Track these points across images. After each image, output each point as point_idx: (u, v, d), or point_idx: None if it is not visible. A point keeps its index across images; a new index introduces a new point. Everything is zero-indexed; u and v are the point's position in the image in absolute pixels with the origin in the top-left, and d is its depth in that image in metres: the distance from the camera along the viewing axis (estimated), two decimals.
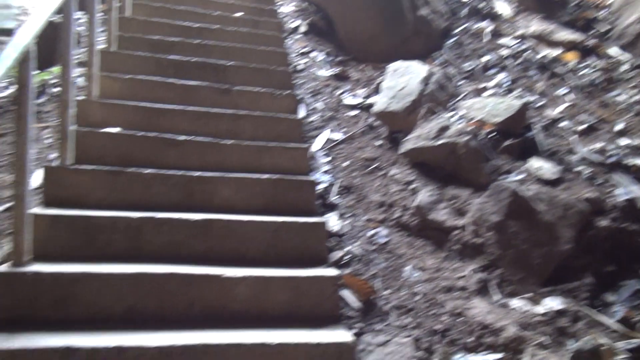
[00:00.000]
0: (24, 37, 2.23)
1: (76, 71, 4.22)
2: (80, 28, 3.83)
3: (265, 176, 3.02)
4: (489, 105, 3.78)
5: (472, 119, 3.71)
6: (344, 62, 5.01)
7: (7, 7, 8.95)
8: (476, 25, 5.28)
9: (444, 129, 3.43)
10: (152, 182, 2.85)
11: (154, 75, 3.87)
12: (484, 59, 4.80)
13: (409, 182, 3.43)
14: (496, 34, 5.21)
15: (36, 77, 4.63)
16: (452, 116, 3.72)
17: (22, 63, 2.21)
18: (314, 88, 4.54)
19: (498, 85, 4.44)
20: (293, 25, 5.44)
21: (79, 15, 4.45)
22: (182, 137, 3.22)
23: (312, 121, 4.12)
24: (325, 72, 4.78)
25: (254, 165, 3.24)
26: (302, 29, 5.39)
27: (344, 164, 3.69)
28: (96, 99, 3.47)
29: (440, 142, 3.37)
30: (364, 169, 3.65)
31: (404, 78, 4.07)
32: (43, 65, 4.11)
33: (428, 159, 3.49)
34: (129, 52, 4.07)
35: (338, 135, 4.00)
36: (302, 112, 4.16)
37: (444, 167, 3.41)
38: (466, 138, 3.29)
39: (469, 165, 3.27)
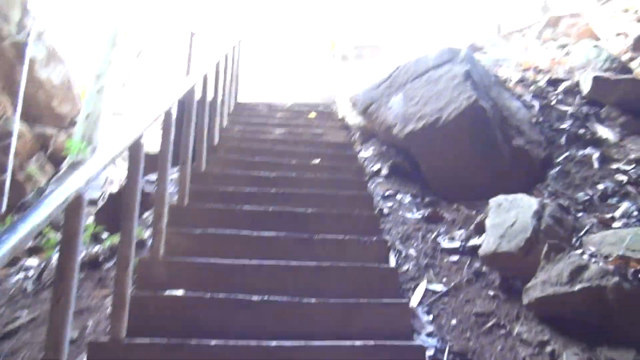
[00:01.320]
0: (78, 180, 1.89)
1: (146, 232, 4.02)
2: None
3: (359, 343, 2.39)
4: (628, 238, 3.04)
5: (608, 255, 2.97)
6: (433, 202, 4.50)
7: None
8: (580, 153, 4.70)
9: (579, 270, 2.71)
10: (219, 357, 2.28)
11: (227, 228, 3.51)
12: (600, 186, 4.14)
13: (544, 344, 2.65)
14: (606, 160, 4.58)
15: (107, 241, 4.44)
16: (582, 253, 3.00)
17: (71, 208, 1.84)
18: (404, 233, 4.00)
19: (626, 215, 3.71)
20: (374, 168, 5.10)
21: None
22: (256, 298, 2.70)
23: (405, 270, 3.52)
24: (415, 215, 4.26)
25: (343, 328, 2.62)
26: (384, 171, 5.03)
27: (452, 322, 2.98)
28: (162, 258, 3.08)
29: (578, 287, 2.63)
30: (478, 328, 2.91)
31: (512, 213, 3.46)
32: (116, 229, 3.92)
33: (564, 311, 2.73)
34: (201, 205, 3.79)
35: (439, 287, 3.34)
36: (393, 261, 3.58)
37: (588, 320, 2.63)
38: (615, 280, 2.55)
39: (625, 317, 2.48)
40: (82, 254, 4.58)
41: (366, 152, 5.57)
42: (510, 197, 3.66)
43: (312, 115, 6.76)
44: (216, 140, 5.31)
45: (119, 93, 12.06)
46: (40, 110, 12.05)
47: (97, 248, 4.58)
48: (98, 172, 2.06)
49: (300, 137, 5.82)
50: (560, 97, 5.64)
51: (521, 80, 6.07)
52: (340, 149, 5.48)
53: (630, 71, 6.88)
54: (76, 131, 11.00)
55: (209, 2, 18.26)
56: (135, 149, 2.64)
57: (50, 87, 12.42)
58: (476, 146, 4.65)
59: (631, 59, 7.50)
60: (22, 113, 10.91)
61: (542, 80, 6.00)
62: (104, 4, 12.03)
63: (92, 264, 4.07)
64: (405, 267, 3.54)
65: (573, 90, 5.76)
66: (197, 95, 4.84)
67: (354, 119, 6.22)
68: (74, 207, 1.86)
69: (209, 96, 5.17)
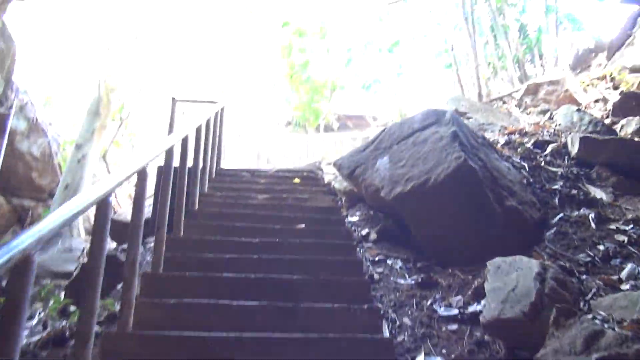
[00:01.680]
0: (27, 238, 1.64)
1: (118, 304, 3.68)
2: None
3: None
4: None
5: (622, 320, 2.72)
6: (427, 267, 4.24)
7: (69, 251, 9.04)
8: (575, 213, 4.53)
9: (594, 337, 2.45)
10: None
11: (204, 297, 3.21)
12: (601, 247, 3.94)
13: None
14: (602, 220, 4.41)
15: (74, 315, 4.08)
16: (593, 318, 2.74)
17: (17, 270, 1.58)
18: (397, 300, 3.72)
19: (632, 276, 3.49)
20: (363, 232, 4.87)
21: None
22: None
23: (401, 341, 3.21)
24: (407, 281, 4.00)
25: None
26: (373, 236, 4.80)
27: None
28: (130, 331, 2.76)
29: (595, 355, 2.36)
30: None
31: (512, 276, 3.22)
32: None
33: None
34: (177, 273, 3.49)
35: (438, 359, 3.03)
36: (386, 331, 3.28)
37: None
38: (636, 347, 2.28)
39: None
40: (47, 330, 4.22)
41: (353, 217, 5.36)
42: (509, 259, 3.44)
43: (297, 180, 6.59)
44: (196, 205, 5.08)
45: (100, 161, 11.88)
46: (19, 182, 11.78)
47: (63, 323, 4.22)
48: (52, 230, 1.80)
49: (285, 202, 5.60)
50: (548, 158, 5.56)
51: (507, 143, 6.01)
52: (326, 213, 5.25)
53: (614, 133, 6.89)
54: (54, 202, 10.70)
55: (194, 69, 18.55)
56: (102, 207, 2.41)
57: (30, 159, 12.22)
58: (468, 208, 4.47)
59: (613, 123, 7.55)
60: (1, 185, 10.64)
61: (529, 143, 5.95)
62: (87, 71, 12.10)
63: (57, 340, 3.71)
64: (400, 338, 3.23)
65: (561, 151, 5.69)
66: (177, 159, 4.67)
67: (339, 183, 6.06)
68: (20, 268, 1.59)
69: (190, 161, 5.00)
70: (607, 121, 7.59)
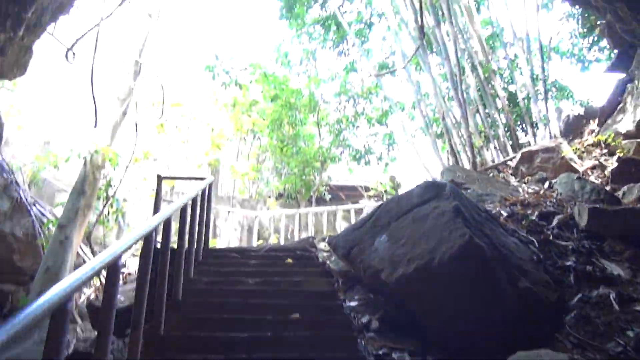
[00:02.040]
0: None
1: None
2: None
3: None
4: None
5: None
6: None
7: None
8: (594, 293, 4.16)
9: None
10: None
11: None
12: (630, 333, 3.54)
13: None
14: (625, 300, 4.04)
15: None
16: None
17: None
18: None
19: None
20: (363, 320, 4.44)
21: None
22: None
23: None
24: None
25: None
26: (375, 324, 4.36)
27: None
28: None
29: None
30: None
31: None
32: None
33: None
34: None
35: None
36: None
37: None
38: None
39: None
40: None
41: (352, 301, 4.93)
42: (533, 353, 3.04)
43: (290, 260, 6.19)
44: (180, 294, 4.65)
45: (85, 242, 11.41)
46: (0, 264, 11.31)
47: None
48: None
49: (277, 286, 5.18)
50: (556, 231, 5.24)
51: (510, 215, 5.70)
52: (322, 299, 4.84)
53: (618, 201, 6.64)
54: (34, 287, 10.15)
55: (184, 143, 18.45)
56: (59, 314, 2.03)
57: (12, 240, 11.78)
58: (478, 291, 4.08)
59: (613, 190, 7.32)
60: None
61: (533, 215, 5.65)
62: (74, 148, 11.85)
63: None
64: None
65: (568, 223, 5.39)
66: (158, 242, 4.32)
67: (335, 263, 5.67)
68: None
69: (174, 243, 4.64)
70: (607, 188, 7.37)
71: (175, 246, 4.87)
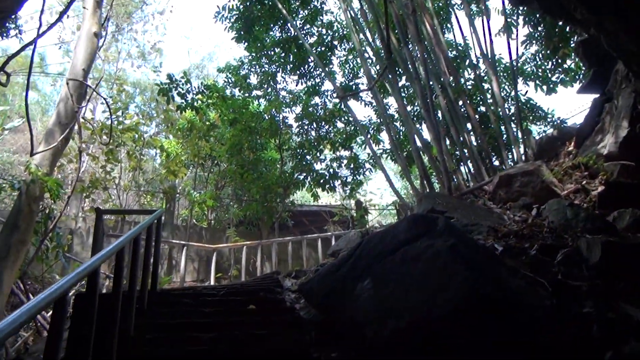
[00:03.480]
0: None
1: None
2: None
3: None
4: None
5: None
6: None
7: None
8: (627, 348, 3.40)
9: None
10: None
11: None
12: None
13: None
14: None
15: None
16: None
17: None
18: None
19: None
20: None
21: None
22: None
23: None
24: None
25: None
26: None
27: None
28: None
29: None
30: None
31: None
32: None
33: None
34: None
35: None
36: None
37: None
38: None
39: None
40: None
41: None
42: None
43: (252, 307, 5.27)
44: None
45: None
46: None
47: None
48: None
49: (236, 344, 4.25)
50: (562, 269, 4.52)
51: (507, 250, 4.97)
52: None
53: (615, 230, 6.03)
54: None
55: (133, 171, 17.26)
56: None
57: None
58: (486, 351, 3.29)
59: (602, 216, 6.74)
60: None
61: (532, 249, 4.93)
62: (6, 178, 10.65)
63: None
64: None
65: (574, 258, 4.67)
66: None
67: (307, 311, 4.79)
68: None
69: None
70: (596, 213, 6.78)
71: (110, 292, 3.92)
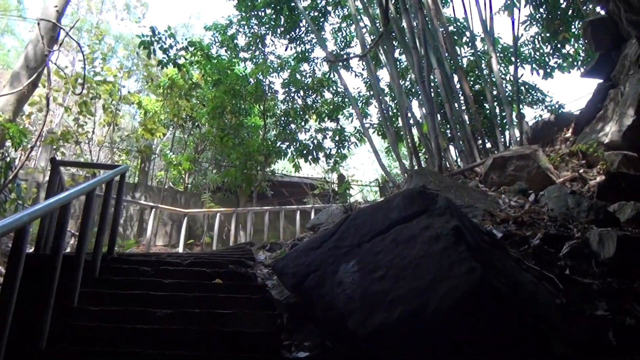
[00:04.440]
0: None
1: None
2: None
3: None
4: None
5: None
6: None
7: None
8: None
9: None
10: None
11: None
12: None
13: None
14: None
15: None
16: None
17: None
18: None
19: None
20: None
21: None
22: None
23: None
24: None
25: None
26: None
27: None
28: None
29: None
30: None
31: None
32: None
33: None
34: None
35: None
36: None
37: None
38: None
39: None
40: None
41: (301, 351, 3.50)
42: None
43: (219, 281, 4.70)
44: (44, 337, 3.09)
45: None
46: None
47: None
48: None
49: (195, 323, 3.68)
50: (569, 262, 4.02)
51: (507, 238, 4.45)
52: (258, 348, 3.38)
53: (618, 222, 5.56)
54: None
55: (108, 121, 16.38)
56: None
57: None
58: (492, 352, 2.77)
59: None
60: None
61: (535, 238, 4.41)
62: None
63: None
64: None
65: (582, 251, 4.18)
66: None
67: (279, 290, 4.23)
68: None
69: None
70: None
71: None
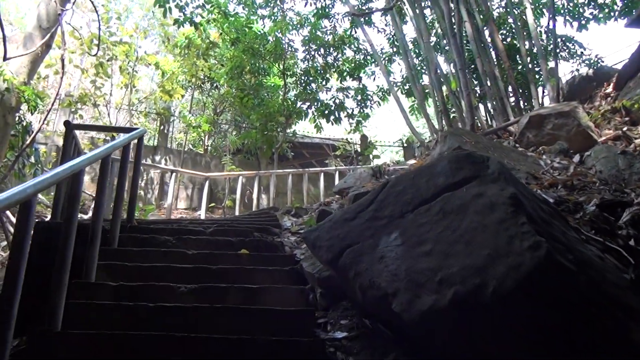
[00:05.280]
0: None
1: None
2: None
3: None
4: None
5: None
6: None
7: None
8: None
9: None
10: None
11: None
12: None
13: None
14: None
15: None
16: None
17: None
18: None
19: None
20: None
21: None
22: None
23: None
24: None
25: None
26: None
27: None
28: None
29: None
30: None
31: None
32: None
33: None
34: None
35: None
36: None
37: None
38: None
39: None
40: None
41: (337, 331, 3.20)
42: None
43: (245, 251, 4.41)
44: (60, 317, 2.84)
45: None
46: None
47: None
48: None
49: (221, 299, 3.41)
50: (631, 232, 3.62)
51: (559, 203, 4.05)
52: (292, 330, 3.09)
53: None
54: None
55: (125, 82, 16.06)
56: None
57: None
58: (562, 341, 2.43)
59: None
60: None
61: (590, 204, 4.00)
62: None
63: None
64: None
65: None
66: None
67: (310, 262, 3.92)
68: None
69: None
70: None
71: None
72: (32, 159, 9.76)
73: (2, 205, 2.18)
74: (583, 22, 14.38)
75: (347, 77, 16.84)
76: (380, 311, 2.93)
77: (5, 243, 9.55)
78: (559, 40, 12.50)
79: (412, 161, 8.81)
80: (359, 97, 16.57)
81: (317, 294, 3.58)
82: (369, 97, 16.63)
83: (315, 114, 16.30)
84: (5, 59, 9.04)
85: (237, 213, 11.00)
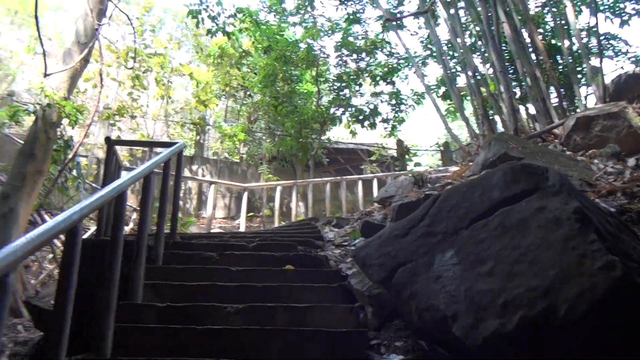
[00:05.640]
0: None
1: None
2: None
3: None
4: None
5: None
6: None
7: None
8: None
9: None
10: None
11: None
12: None
13: None
14: None
15: None
16: None
17: None
18: None
19: None
20: None
21: None
22: None
23: None
24: None
25: None
26: None
27: None
28: None
29: None
30: None
31: None
32: None
33: None
34: None
35: None
36: None
37: None
38: None
39: None
40: None
41: (391, 353, 3.07)
42: None
43: (289, 267, 4.32)
44: (109, 344, 2.79)
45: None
46: None
47: None
48: None
49: (270, 319, 3.31)
50: None
51: (621, 213, 3.82)
52: (344, 350, 2.97)
53: None
54: None
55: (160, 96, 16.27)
56: None
57: None
58: None
59: None
60: None
61: None
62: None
63: None
64: None
65: None
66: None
67: (359, 280, 3.79)
68: None
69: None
70: None
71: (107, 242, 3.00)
72: (74, 173, 9.93)
73: (49, 235, 2.13)
74: (625, 17, 13.88)
75: (380, 82, 16.67)
76: (438, 333, 2.78)
77: (51, 255, 9.72)
78: (604, 38, 12.08)
79: (453, 168, 8.59)
80: (393, 102, 16.37)
81: (367, 313, 3.46)
82: (404, 101, 16.42)
83: (350, 119, 16.18)
84: (46, 75, 9.24)
85: (275, 222, 10.96)
